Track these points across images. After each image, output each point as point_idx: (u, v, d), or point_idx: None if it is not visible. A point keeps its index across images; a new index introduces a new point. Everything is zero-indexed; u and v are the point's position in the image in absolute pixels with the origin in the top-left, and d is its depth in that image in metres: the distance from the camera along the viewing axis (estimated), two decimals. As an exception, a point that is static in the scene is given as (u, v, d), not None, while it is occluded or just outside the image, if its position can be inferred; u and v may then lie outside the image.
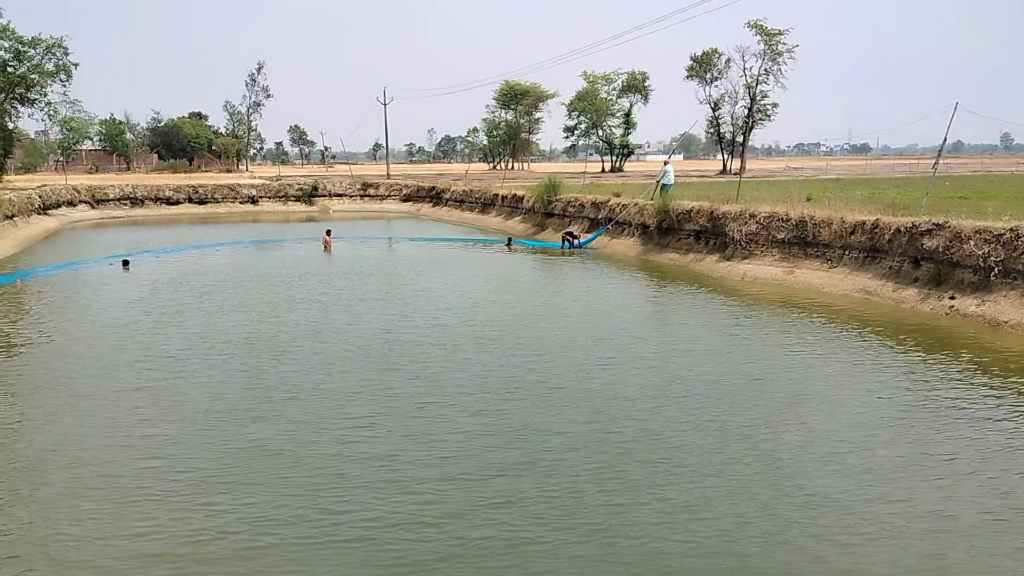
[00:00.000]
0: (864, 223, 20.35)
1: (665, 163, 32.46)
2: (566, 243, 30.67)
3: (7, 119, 55.52)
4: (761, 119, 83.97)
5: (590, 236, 31.34)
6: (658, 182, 31.13)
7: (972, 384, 11.89)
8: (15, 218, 35.21)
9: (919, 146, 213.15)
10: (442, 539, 7.12)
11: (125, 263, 25.62)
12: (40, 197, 41.71)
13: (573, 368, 12.81)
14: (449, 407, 10.78)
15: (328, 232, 32.10)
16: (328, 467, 8.74)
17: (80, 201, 48.55)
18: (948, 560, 6.90)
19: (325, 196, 56.45)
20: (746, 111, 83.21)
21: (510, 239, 33.12)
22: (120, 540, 7.16)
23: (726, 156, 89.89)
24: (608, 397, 11.23)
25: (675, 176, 31.65)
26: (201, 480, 8.39)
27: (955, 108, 22.54)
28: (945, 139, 22.54)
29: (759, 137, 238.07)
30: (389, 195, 57.37)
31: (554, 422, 10.15)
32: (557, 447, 9.29)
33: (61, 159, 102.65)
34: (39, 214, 40.47)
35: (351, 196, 57.14)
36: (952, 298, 17.21)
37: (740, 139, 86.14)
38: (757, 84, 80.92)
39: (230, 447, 9.32)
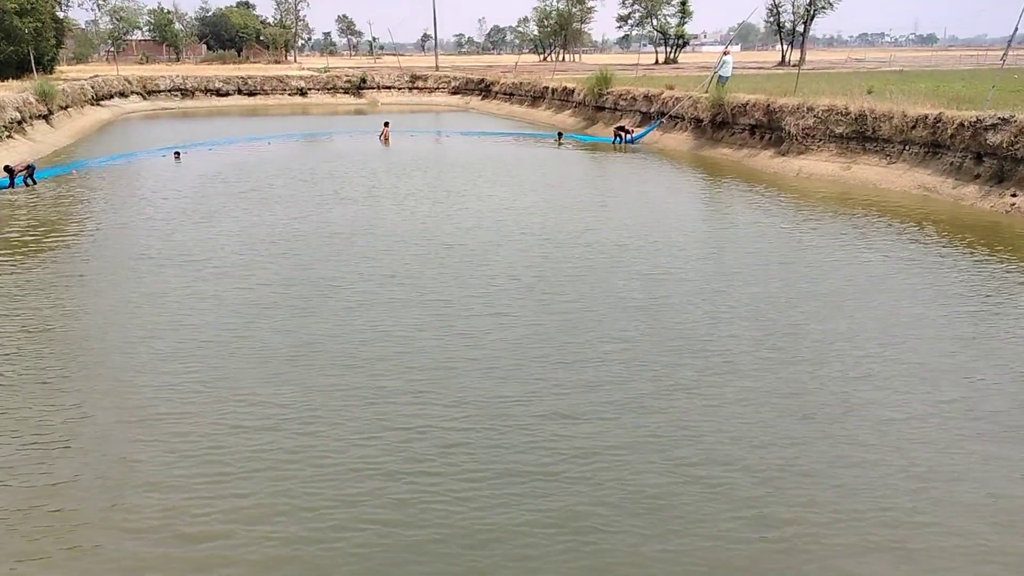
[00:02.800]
0: (926, 117, 19.69)
1: (725, 52, 31.26)
2: (617, 138, 30.19)
3: (58, 8, 55.63)
4: (823, 8, 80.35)
5: (642, 131, 30.78)
6: (715, 72, 30.26)
7: (1030, 283, 11.67)
8: (69, 109, 35.59)
9: (988, 36, 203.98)
10: (485, 461, 6.75)
11: (176, 155, 25.90)
12: (92, 88, 42.03)
13: (624, 272, 12.49)
14: (498, 316, 10.40)
15: (386, 124, 32.10)
16: (365, 379, 8.42)
17: (131, 92, 48.83)
18: (1016, 496, 6.39)
19: (373, 88, 55.98)
20: (808, -1, 79.81)
21: (560, 133, 32.69)
22: (158, 444, 7.14)
23: (785, 47, 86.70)
24: (661, 304, 10.89)
25: (732, 68, 30.62)
26: (235, 385, 8.25)
27: (1030, -5, 21.33)
28: (1016, 29, 21.40)
29: (820, 27, 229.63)
30: (438, 88, 56.68)
31: (605, 331, 9.81)
32: (606, 359, 8.88)
33: (111, 49, 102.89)
34: (92, 105, 40.84)
35: (399, 88, 56.57)
36: (1014, 195, 16.72)
37: (800, 29, 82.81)
38: (821, -30, 77.24)
39: (266, 352, 9.10)
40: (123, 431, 7.29)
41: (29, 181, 20.32)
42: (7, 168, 20.08)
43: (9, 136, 25.82)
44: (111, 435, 7.22)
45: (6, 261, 13.11)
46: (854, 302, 10.90)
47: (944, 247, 13.94)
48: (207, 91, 52.62)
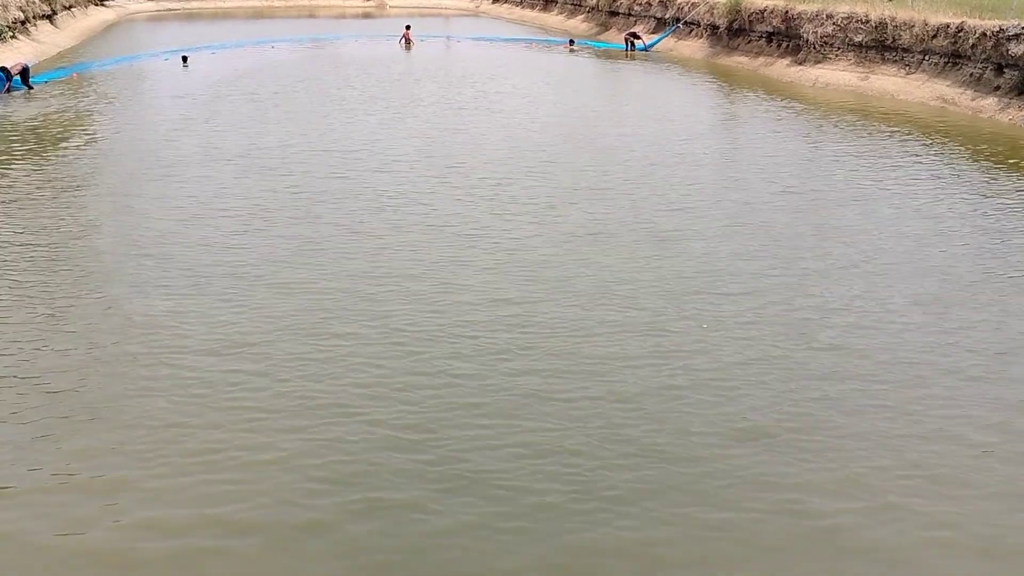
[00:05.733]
0: (948, 26, 19.21)
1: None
2: (629, 44, 29.55)
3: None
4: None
5: (656, 38, 30.13)
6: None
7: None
8: (73, 9, 34.85)
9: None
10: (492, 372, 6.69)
11: (184, 59, 25.45)
12: (96, -13, 41.10)
13: (643, 198, 11.74)
14: (501, 230, 10.18)
15: (408, 27, 31.55)
16: (357, 286, 8.43)
17: (136, -8, 47.75)
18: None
19: (382, -10, 54.64)
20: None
21: (572, 40, 32.03)
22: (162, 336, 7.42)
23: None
24: (682, 235, 10.17)
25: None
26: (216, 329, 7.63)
27: None
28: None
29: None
30: (448, -10, 55.29)
31: (625, 269, 9.05)
32: (629, 300, 8.21)
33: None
34: (96, 5, 39.97)
35: (408, -9, 55.16)
36: (1035, 108, 16.45)
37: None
38: None
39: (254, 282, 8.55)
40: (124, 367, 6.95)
41: (27, 84, 19.68)
42: (2, 69, 19.38)
43: (13, 36, 25.31)
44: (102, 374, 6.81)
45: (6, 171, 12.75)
46: (883, 234, 10.22)
47: (965, 163, 13.81)
48: (212, -8, 51.49)
